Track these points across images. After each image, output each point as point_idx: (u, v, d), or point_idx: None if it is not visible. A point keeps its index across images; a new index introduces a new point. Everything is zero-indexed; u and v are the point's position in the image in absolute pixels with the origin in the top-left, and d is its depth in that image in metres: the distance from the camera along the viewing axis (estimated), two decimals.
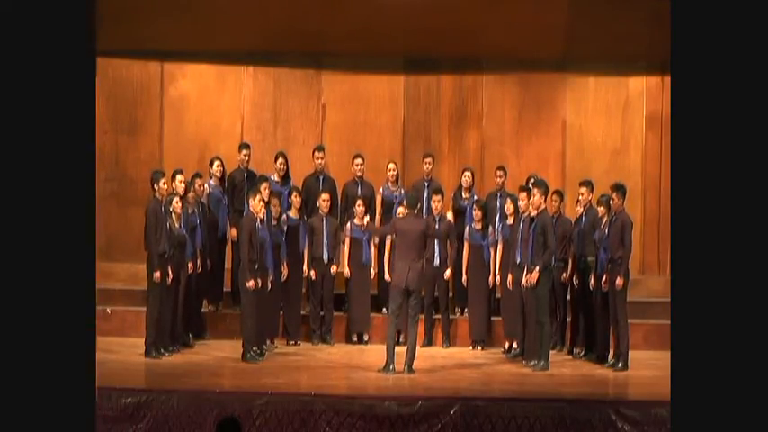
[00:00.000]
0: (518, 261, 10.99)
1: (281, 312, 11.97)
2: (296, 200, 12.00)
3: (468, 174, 12.65)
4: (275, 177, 12.30)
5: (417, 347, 10.53)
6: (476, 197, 12.47)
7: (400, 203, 11.82)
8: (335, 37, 13.46)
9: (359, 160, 12.64)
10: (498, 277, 11.66)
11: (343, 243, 12.19)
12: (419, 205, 10.63)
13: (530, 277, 10.61)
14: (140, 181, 13.31)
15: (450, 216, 12.10)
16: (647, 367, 10.76)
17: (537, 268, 10.55)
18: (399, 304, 10.32)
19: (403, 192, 12.33)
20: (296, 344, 11.97)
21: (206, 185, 12.09)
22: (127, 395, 8.78)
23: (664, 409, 8.44)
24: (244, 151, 12.61)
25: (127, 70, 13.92)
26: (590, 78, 14.08)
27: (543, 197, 10.75)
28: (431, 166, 12.78)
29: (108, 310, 12.10)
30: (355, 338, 12.23)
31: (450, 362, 11.16)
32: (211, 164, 12.41)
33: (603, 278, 10.81)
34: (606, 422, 8.66)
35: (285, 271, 11.68)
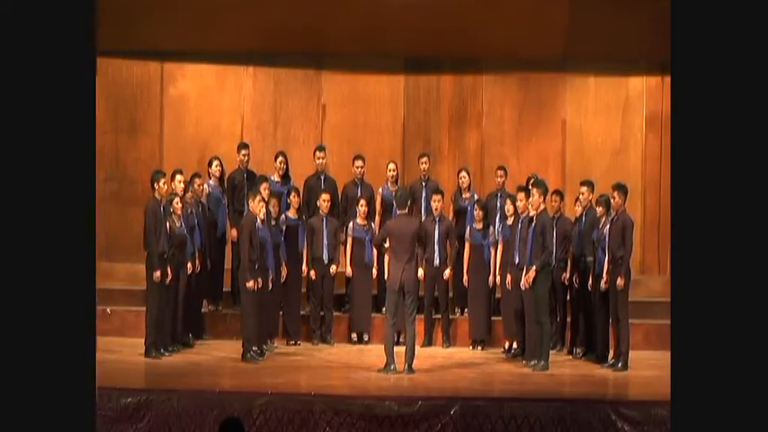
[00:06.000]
0: (517, 261, 10.99)
1: (281, 312, 11.97)
2: (294, 200, 12.00)
3: (464, 174, 12.65)
4: (275, 177, 12.30)
5: (417, 347, 10.55)
6: (476, 197, 12.47)
7: None
8: (335, 37, 13.47)
9: (359, 161, 12.63)
10: (498, 277, 11.66)
11: (344, 244, 12.19)
12: (408, 203, 10.59)
13: (527, 277, 10.61)
14: (140, 181, 13.32)
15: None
16: (647, 367, 10.76)
17: (534, 268, 10.56)
18: (395, 304, 10.33)
19: None
20: (296, 344, 11.97)
21: (205, 185, 12.10)
22: (127, 395, 8.78)
23: (664, 409, 8.45)
24: (243, 151, 12.60)
25: (127, 70, 13.92)
26: (590, 78, 14.08)
27: (542, 197, 10.75)
28: (427, 166, 12.78)
29: (108, 310, 12.10)
30: (355, 338, 12.23)
31: (450, 362, 11.16)
32: (210, 164, 12.41)
33: (603, 278, 10.81)
34: (606, 422, 8.66)
35: (285, 271, 11.68)
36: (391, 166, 12.72)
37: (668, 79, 12.91)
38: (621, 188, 10.89)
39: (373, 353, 11.14)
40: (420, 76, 14.08)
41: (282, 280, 11.65)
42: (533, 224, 10.65)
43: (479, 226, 12.00)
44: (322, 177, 12.61)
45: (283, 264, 11.66)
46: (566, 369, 10.86)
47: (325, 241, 12.03)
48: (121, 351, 10.98)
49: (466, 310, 12.38)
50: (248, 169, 12.52)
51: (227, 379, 10.10)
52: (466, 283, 12.14)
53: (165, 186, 10.98)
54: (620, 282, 10.65)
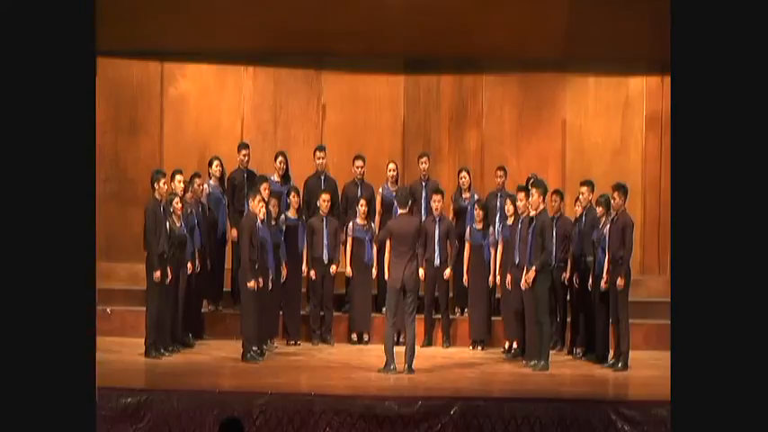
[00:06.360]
0: (517, 261, 10.99)
1: (281, 312, 11.97)
2: (294, 200, 12.00)
3: (464, 174, 12.66)
4: (275, 177, 12.31)
5: (417, 347, 10.55)
6: (476, 197, 12.47)
7: None
8: (335, 37, 13.46)
9: (359, 162, 12.63)
10: (498, 277, 11.67)
11: (344, 244, 12.19)
12: (409, 203, 10.59)
13: (527, 277, 10.62)
14: (140, 181, 13.31)
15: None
16: (647, 367, 10.76)
17: (533, 268, 10.56)
18: (396, 304, 10.33)
19: None
20: (296, 344, 11.97)
21: (205, 185, 12.10)
22: (127, 395, 8.79)
23: (664, 409, 8.45)
24: (243, 151, 12.61)
25: (127, 70, 13.93)
26: (590, 78, 14.09)
27: (542, 197, 10.75)
28: (427, 166, 12.78)
29: (108, 310, 12.10)
30: (355, 338, 12.23)
31: (450, 362, 11.16)
32: (210, 164, 12.42)
33: (603, 278, 10.80)
34: (606, 422, 8.67)
35: (285, 271, 11.68)
36: (391, 166, 12.73)
37: (668, 79, 12.89)
38: (621, 188, 10.89)
39: (373, 353, 11.13)
40: (420, 76, 14.09)
41: (282, 280, 11.66)
42: (533, 224, 10.66)
43: (479, 226, 12.00)
44: (322, 177, 12.61)
45: (283, 264, 11.66)
46: (566, 369, 10.86)
47: (325, 241, 12.03)
48: (121, 351, 10.98)
49: (466, 310, 12.38)
50: (248, 169, 12.53)
51: (227, 379, 10.10)
52: (466, 283, 12.15)
53: (165, 186, 10.99)
54: (620, 282, 10.65)
